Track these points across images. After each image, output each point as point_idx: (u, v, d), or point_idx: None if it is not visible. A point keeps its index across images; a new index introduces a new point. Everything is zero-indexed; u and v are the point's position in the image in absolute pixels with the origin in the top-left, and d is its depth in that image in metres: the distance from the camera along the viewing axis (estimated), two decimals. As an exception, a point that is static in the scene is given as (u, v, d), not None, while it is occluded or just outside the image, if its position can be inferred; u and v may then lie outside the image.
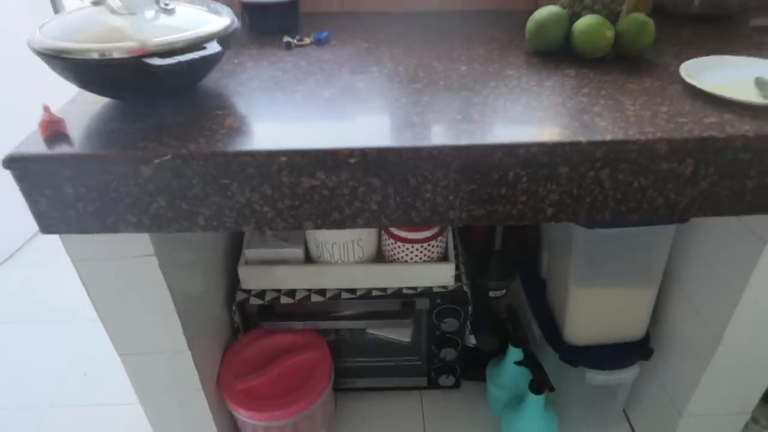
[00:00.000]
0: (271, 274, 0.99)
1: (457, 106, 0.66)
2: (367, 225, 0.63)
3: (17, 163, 0.58)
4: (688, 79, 0.67)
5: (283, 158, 0.58)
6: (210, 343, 0.92)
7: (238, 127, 0.62)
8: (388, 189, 0.60)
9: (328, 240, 0.96)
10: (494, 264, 1.09)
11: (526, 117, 0.64)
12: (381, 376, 1.14)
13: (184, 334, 0.80)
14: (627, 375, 0.94)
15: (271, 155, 0.58)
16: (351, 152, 0.58)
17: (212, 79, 0.74)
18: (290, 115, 0.65)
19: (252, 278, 0.99)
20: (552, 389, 0.93)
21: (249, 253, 1.00)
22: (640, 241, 0.84)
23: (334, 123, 0.63)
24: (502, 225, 1.08)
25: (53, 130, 0.60)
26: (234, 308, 1.00)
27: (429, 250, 0.98)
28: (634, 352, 0.94)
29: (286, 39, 0.85)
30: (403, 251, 0.98)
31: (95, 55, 0.57)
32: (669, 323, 0.94)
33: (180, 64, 0.58)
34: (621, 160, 0.59)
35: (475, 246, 1.13)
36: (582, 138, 0.59)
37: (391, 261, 1.00)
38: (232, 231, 0.64)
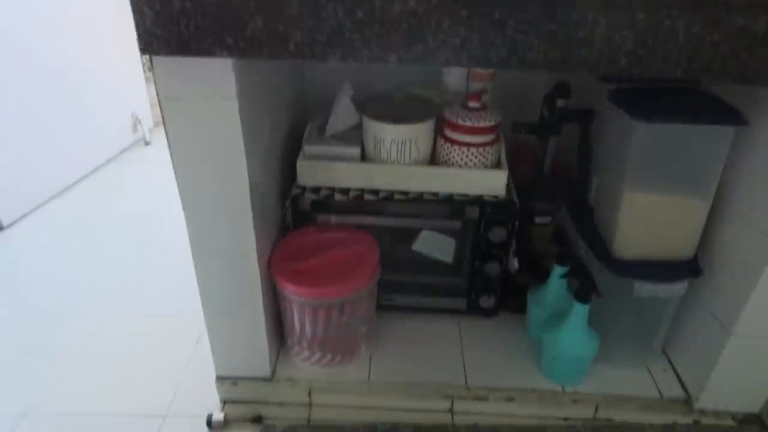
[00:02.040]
0: (328, 170, 1.02)
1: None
2: (448, 62, 0.66)
3: (133, -31, 0.62)
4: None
5: (379, -22, 0.61)
6: (264, 223, 0.95)
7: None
8: (472, 21, 0.64)
9: (385, 137, 0.99)
10: (542, 187, 1.11)
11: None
12: (421, 295, 1.16)
13: (249, 194, 0.83)
14: (675, 289, 0.94)
15: (368, -26, 0.62)
16: (443, -24, 0.61)
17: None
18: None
19: (309, 173, 1.03)
20: (599, 294, 0.94)
21: (308, 149, 1.03)
22: (697, 143, 0.85)
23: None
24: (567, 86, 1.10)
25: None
26: (288, 202, 1.03)
27: (483, 156, 1.01)
28: (683, 268, 0.95)
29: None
30: (457, 155, 1.01)
31: None
32: (720, 243, 0.95)
33: None
34: (696, 9, 0.62)
35: (524, 172, 1.15)
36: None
37: (445, 165, 1.03)
38: (319, 60, 0.67)
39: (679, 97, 0.90)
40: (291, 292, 0.93)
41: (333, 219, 1.05)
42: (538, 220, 1.14)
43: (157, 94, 0.75)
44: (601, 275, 0.97)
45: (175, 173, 0.82)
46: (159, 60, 0.72)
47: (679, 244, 0.95)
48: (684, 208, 0.91)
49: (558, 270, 1.03)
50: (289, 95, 1.13)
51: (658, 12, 0.62)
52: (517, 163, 1.19)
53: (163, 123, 0.77)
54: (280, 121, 1.05)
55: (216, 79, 0.73)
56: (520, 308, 1.16)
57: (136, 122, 2.24)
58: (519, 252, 1.11)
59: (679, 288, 0.95)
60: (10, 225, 1.68)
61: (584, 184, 1.10)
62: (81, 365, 1.15)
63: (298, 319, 0.97)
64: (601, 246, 0.99)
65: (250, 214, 0.85)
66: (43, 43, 1.74)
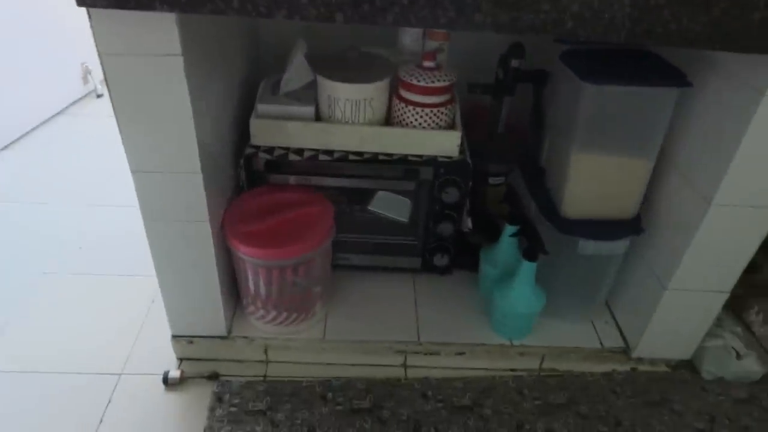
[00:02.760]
0: (282, 129, 1.01)
1: None
2: (395, 22, 0.66)
3: None
4: None
5: (324, -68, 0.60)
6: (216, 185, 0.94)
7: None
8: (420, -20, 0.63)
9: (339, 96, 0.98)
10: (495, 148, 1.13)
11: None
12: (377, 254, 1.17)
13: (199, 154, 0.82)
14: (617, 246, 0.99)
15: (313, -72, 0.60)
16: (390, -67, 0.60)
17: None
18: None
19: (262, 133, 1.01)
20: (546, 252, 0.97)
21: (261, 108, 1.02)
22: (642, 105, 0.88)
23: None
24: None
25: None
26: (241, 162, 1.02)
27: (437, 117, 1.01)
28: (626, 227, 0.99)
29: None
30: (411, 115, 1.01)
31: None
32: (661, 203, 0.99)
33: None
34: (641, -27, 0.63)
35: (479, 132, 1.16)
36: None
37: (400, 125, 1.03)
38: (263, 17, 0.65)
39: (628, 60, 0.92)
40: (244, 253, 0.93)
41: (288, 179, 1.04)
42: (491, 180, 1.16)
43: (97, 50, 0.72)
44: (549, 234, 1.01)
45: (121, 134, 0.79)
46: (97, 13, 0.69)
47: (623, 203, 0.99)
48: (628, 169, 0.94)
49: (509, 229, 1.06)
50: (242, 52, 1.10)
51: (602, -25, 0.63)
52: (472, 123, 1.20)
53: (105, 81, 0.74)
54: (233, 79, 1.03)
55: (159, 34, 0.71)
56: (474, 266, 1.19)
57: (87, 73, 2.14)
58: (473, 212, 1.13)
59: (621, 246, 0.99)
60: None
61: (537, 145, 1.12)
62: (34, 325, 1.13)
63: (252, 279, 0.97)
64: (550, 206, 1.02)
65: (200, 174, 0.84)
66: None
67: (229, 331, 1.06)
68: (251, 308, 1.03)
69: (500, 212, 1.19)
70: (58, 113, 2.02)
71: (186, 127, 0.79)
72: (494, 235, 1.13)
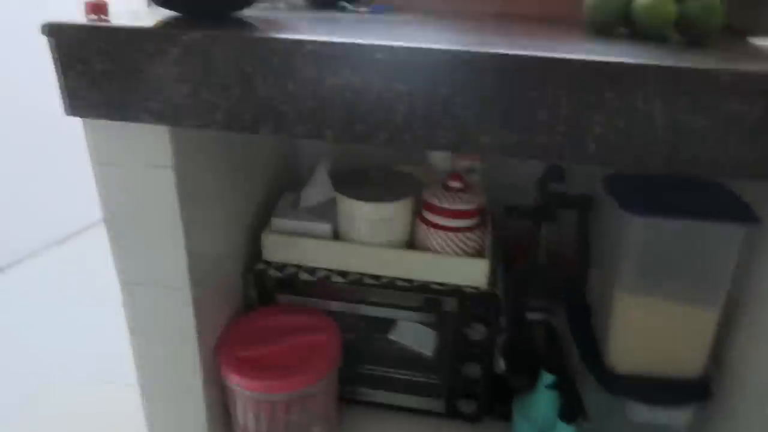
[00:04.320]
0: (294, 246, 0.94)
1: (506, 42, 0.62)
2: (389, 142, 0.59)
3: (55, 30, 0.59)
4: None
5: (309, 47, 0.55)
6: (217, 299, 0.87)
7: (276, 24, 0.61)
8: (415, 98, 0.56)
9: (357, 215, 0.91)
10: (535, 279, 0.99)
11: (574, 48, 0.59)
12: (394, 392, 1.03)
13: (188, 269, 0.76)
14: (678, 416, 0.79)
15: (298, 43, 0.56)
16: (379, 48, 0.55)
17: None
18: (332, 30, 0.64)
19: (274, 248, 0.95)
20: (586, 417, 0.80)
21: (276, 222, 0.96)
22: (700, 244, 0.73)
23: (375, 35, 0.61)
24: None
25: (96, 11, 0.62)
26: (250, 277, 0.95)
27: (463, 243, 0.91)
28: (689, 390, 0.80)
29: (341, 3, 0.86)
30: (434, 239, 0.91)
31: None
32: (733, 361, 0.80)
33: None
34: (679, 92, 0.53)
35: (520, 262, 1.04)
36: (630, 59, 0.53)
37: (424, 249, 0.93)
38: (249, 132, 0.61)
39: (684, 188, 0.79)
40: (232, 382, 0.83)
41: (297, 300, 0.96)
42: (530, 316, 1.01)
43: (91, 159, 0.70)
44: (593, 389, 0.83)
45: (110, 243, 0.76)
46: (89, 123, 0.67)
47: (684, 359, 0.80)
48: (688, 317, 0.78)
49: (545, 378, 0.90)
50: (268, 162, 1.08)
51: (628, 93, 0.53)
52: (513, 252, 1.09)
53: (97, 189, 0.72)
54: (251, 192, 0.99)
55: (151, 145, 0.68)
56: (508, 415, 1.01)
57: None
58: (509, 351, 0.98)
59: (682, 414, 0.79)
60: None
61: (582, 280, 0.98)
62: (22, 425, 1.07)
63: (241, 412, 0.86)
64: (594, 354, 0.86)
65: (189, 292, 0.77)
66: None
67: (217, 470, 0.93)
68: (241, 445, 0.91)
69: (540, 354, 1.02)
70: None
71: (176, 240, 0.74)
72: (533, 380, 0.96)
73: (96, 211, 2.01)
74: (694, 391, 0.79)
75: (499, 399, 1.02)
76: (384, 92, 0.56)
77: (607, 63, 0.52)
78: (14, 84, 1.70)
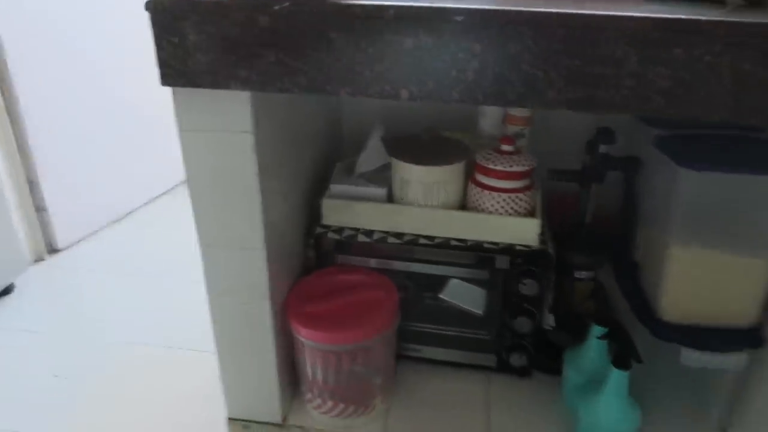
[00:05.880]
0: (352, 210, 0.99)
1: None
2: (461, 98, 0.63)
3: (154, 5, 0.64)
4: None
5: (391, 11, 0.60)
6: (282, 261, 0.93)
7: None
8: (486, 56, 0.60)
9: (412, 179, 0.96)
10: (582, 239, 1.03)
11: (638, 9, 0.62)
12: (448, 348, 1.08)
13: (263, 231, 0.81)
14: (731, 361, 0.83)
15: (380, 8, 0.60)
16: (456, 10, 0.59)
17: None
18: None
19: (333, 213, 1.00)
20: (640, 360, 0.84)
21: (334, 188, 1.02)
22: (751, 195, 0.76)
23: None
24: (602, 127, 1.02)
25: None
26: (311, 242, 1.00)
27: (515, 203, 0.95)
28: (741, 337, 0.83)
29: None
30: (488, 201, 0.95)
31: None
32: (784, 310, 0.83)
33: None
34: (745, 45, 0.56)
35: (565, 223, 1.07)
36: (701, 16, 0.56)
37: (476, 211, 0.98)
38: (330, 95, 0.65)
39: (733, 145, 0.82)
40: (301, 335, 0.89)
41: (356, 261, 1.01)
42: (577, 274, 1.05)
43: (177, 126, 0.76)
44: (644, 340, 0.87)
45: (192, 206, 0.81)
46: (178, 92, 0.73)
47: (737, 308, 0.84)
48: (739, 268, 0.81)
49: (596, 330, 0.94)
50: (322, 133, 1.13)
51: (696, 48, 0.57)
52: (559, 213, 1.12)
53: (182, 155, 0.77)
54: (309, 159, 1.04)
55: (233, 112, 0.73)
56: (558, 370, 1.06)
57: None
58: (556, 308, 1.03)
59: (735, 359, 0.83)
60: (67, 247, 1.76)
61: (629, 238, 1.01)
62: (101, 394, 1.15)
63: (309, 364, 0.92)
64: (645, 307, 0.90)
65: (264, 252, 0.83)
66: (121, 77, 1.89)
67: (285, 419, 1.00)
68: (308, 396, 0.97)
69: (587, 310, 1.07)
70: (164, 193, 2.19)
71: (253, 203, 0.80)
72: (580, 336, 1.01)
73: (160, 185, 2.11)
74: (746, 337, 0.83)
75: (546, 354, 1.07)
76: (457, 52, 0.60)
77: (678, 19, 0.55)
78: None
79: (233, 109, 0.73)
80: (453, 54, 0.61)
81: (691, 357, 0.83)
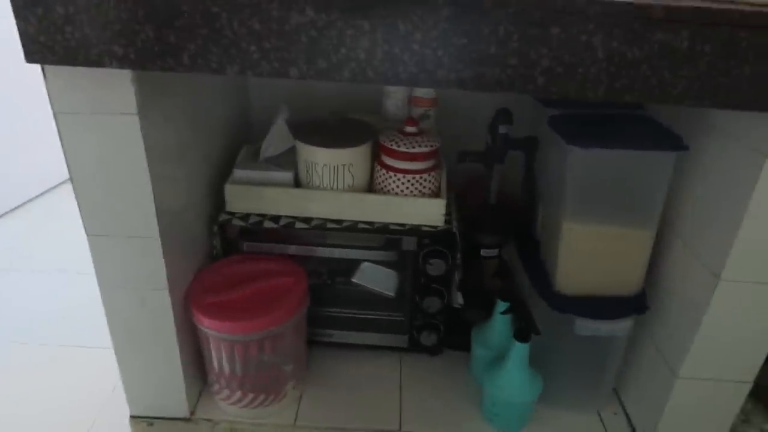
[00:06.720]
0: (258, 195, 0.97)
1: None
2: (353, 78, 0.62)
3: (11, -29, 0.58)
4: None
5: (275, -15, 0.57)
6: (183, 250, 0.89)
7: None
8: (376, 35, 0.59)
9: (318, 162, 0.94)
10: (488, 219, 1.06)
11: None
12: (360, 331, 1.09)
13: (156, 218, 0.77)
14: (619, 327, 0.89)
15: (263, -18, 0.58)
16: (340, -14, 0.57)
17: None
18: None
19: (237, 199, 0.97)
20: (538, 332, 0.88)
21: (238, 173, 0.98)
22: (636, 170, 0.81)
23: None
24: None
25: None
26: (215, 229, 0.97)
27: (421, 184, 0.96)
28: (628, 305, 0.89)
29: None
30: (393, 182, 0.96)
31: None
32: (666, 276, 0.90)
33: None
34: (614, 24, 0.58)
35: (474, 203, 1.10)
36: (577, -4, 0.58)
37: (383, 193, 0.98)
38: (216, 73, 0.62)
39: (620, 124, 0.86)
40: (204, 326, 0.86)
41: (263, 248, 0.99)
42: (484, 252, 1.08)
43: (51, 109, 0.70)
44: (544, 313, 0.91)
45: (75, 194, 0.76)
46: (51, 70, 0.67)
47: (625, 278, 0.90)
48: (627, 240, 0.86)
49: (499, 306, 0.97)
50: (230, 118, 1.09)
51: (572, 26, 0.59)
52: (468, 194, 1.15)
53: (60, 140, 0.72)
54: (213, 143, 1.00)
55: (114, 92, 0.69)
56: (468, 347, 1.09)
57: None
58: (465, 287, 1.05)
59: (623, 326, 0.89)
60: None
61: (530, 216, 1.05)
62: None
63: (215, 355, 0.89)
64: (544, 281, 0.94)
65: (159, 241, 0.79)
66: None
67: (193, 413, 0.96)
68: (216, 387, 0.95)
69: (494, 287, 1.10)
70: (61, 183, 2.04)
71: (143, 189, 0.75)
72: (489, 313, 1.04)
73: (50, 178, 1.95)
74: (632, 305, 0.89)
75: (457, 331, 1.10)
76: (346, 29, 0.59)
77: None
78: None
79: (114, 89, 0.68)
80: (341, 31, 0.59)
81: (585, 326, 0.88)
